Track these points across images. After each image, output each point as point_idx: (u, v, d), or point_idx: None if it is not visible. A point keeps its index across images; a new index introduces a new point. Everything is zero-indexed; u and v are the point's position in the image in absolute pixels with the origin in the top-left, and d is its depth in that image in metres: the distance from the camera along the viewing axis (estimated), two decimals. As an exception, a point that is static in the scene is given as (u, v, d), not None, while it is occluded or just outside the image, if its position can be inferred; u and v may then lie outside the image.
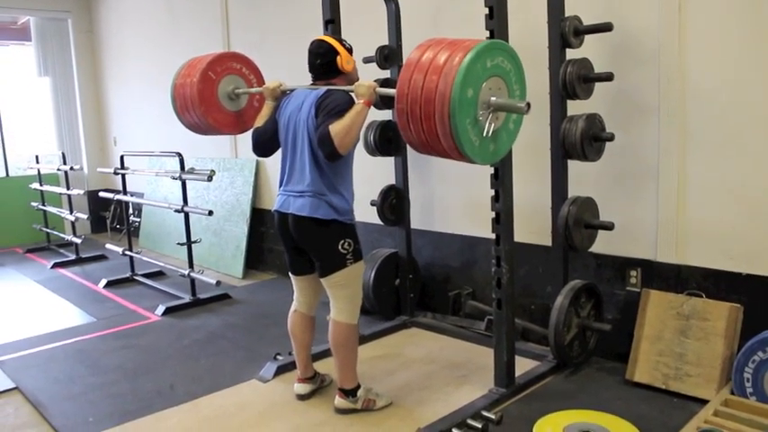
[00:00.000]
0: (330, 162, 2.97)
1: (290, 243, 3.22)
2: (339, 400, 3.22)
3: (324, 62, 3.10)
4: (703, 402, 3.06)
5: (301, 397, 3.41)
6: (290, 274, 3.37)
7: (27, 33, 9.03)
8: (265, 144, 3.27)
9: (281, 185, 3.20)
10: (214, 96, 3.50)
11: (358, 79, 3.11)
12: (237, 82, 3.59)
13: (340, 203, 3.05)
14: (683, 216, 3.40)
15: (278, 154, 3.29)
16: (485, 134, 2.42)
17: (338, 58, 3.09)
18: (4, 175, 8.86)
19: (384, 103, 4.14)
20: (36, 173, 8.08)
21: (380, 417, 3.19)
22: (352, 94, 2.96)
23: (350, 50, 3.17)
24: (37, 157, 8.12)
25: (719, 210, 3.28)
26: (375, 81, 4.25)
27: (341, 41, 3.15)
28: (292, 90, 3.26)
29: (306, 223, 3.05)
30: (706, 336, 3.22)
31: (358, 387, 3.22)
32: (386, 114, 4.41)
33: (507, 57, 2.48)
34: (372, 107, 4.24)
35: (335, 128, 2.81)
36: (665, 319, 3.37)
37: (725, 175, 3.25)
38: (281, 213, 3.16)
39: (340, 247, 3.06)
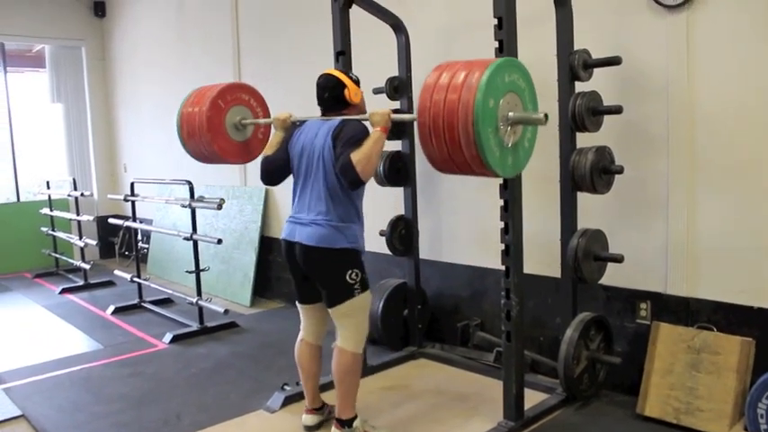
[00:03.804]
0: (352, 190, 3.01)
1: (297, 272, 3.23)
2: (335, 431, 3.19)
3: (332, 95, 3.16)
4: (716, 438, 3.03)
5: (309, 428, 3.38)
6: (297, 302, 3.37)
7: (42, 61, 9.16)
8: (274, 173, 3.30)
9: (291, 213, 3.23)
10: (222, 125, 3.56)
11: (366, 111, 3.15)
12: (244, 113, 3.65)
13: (350, 231, 3.07)
14: (692, 248, 3.39)
15: (287, 183, 3.32)
16: (505, 144, 2.51)
17: (346, 90, 3.14)
18: (15, 199, 8.93)
19: (395, 133, 4.17)
20: (46, 198, 8.14)
21: (388, 449, 3.16)
22: (367, 123, 2.99)
23: (357, 83, 3.22)
24: (48, 182, 8.19)
25: (730, 242, 3.27)
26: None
27: (347, 74, 3.22)
28: (303, 121, 3.29)
29: (314, 253, 3.06)
30: (718, 370, 3.19)
31: (355, 418, 3.20)
32: (395, 145, 4.43)
33: (522, 75, 2.63)
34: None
35: (357, 156, 2.86)
36: (675, 352, 3.35)
37: (735, 207, 3.24)
38: (289, 242, 3.17)
39: (348, 278, 3.06)
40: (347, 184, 2.96)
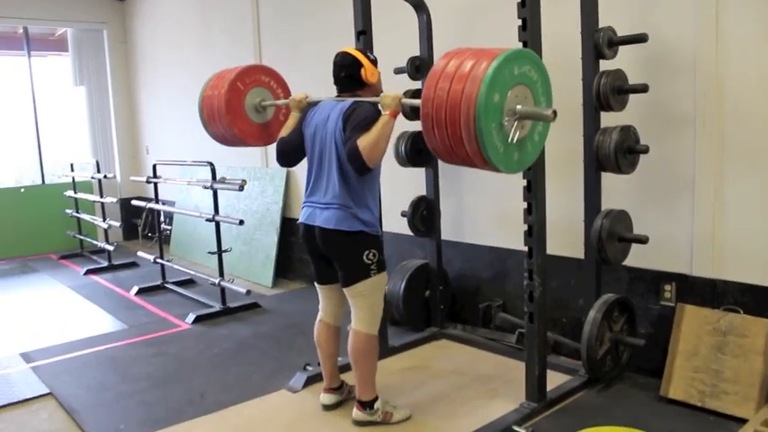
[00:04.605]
0: (360, 175, 2.98)
1: (316, 253, 3.23)
2: (356, 412, 3.22)
3: (348, 74, 3.12)
4: (741, 421, 2.99)
5: (327, 407, 3.41)
6: (315, 283, 3.38)
7: (64, 44, 9.24)
8: (289, 154, 3.30)
9: (306, 196, 3.23)
10: (241, 107, 3.56)
11: (382, 91, 3.12)
12: (264, 95, 3.64)
13: (366, 215, 3.06)
14: (719, 229, 3.34)
15: (303, 163, 3.31)
16: (510, 140, 2.41)
17: (362, 70, 3.10)
18: (40, 182, 9.05)
19: (414, 113, 4.14)
20: (71, 181, 8.24)
21: (410, 429, 3.17)
22: (379, 106, 2.97)
23: (374, 62, 3.18)
24: (72, 165, 8.28)
25: (758, 223, 3.21)
26: (406, 92, 4.28)
27: (365, 53, 3.18)
28: (318, 102, 3.28)
29: (332, 235, 3.06)
30: (744, 353, 3.15)
31: (376, 399, 3.21)
32: (416, 125, 4.39)
33: (534, 66, 2.51)
34: (403, 118, 4.27)
35: (363, 142, 2.84)
36: (700, 334, 3.31)
37: (763, 187, 3.18)
38: (308, 226, 3.17)
39: (365, 258, 3.06)
40: (354, 170, 2.94)
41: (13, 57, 9.08)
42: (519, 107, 2.42)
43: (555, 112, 2.42)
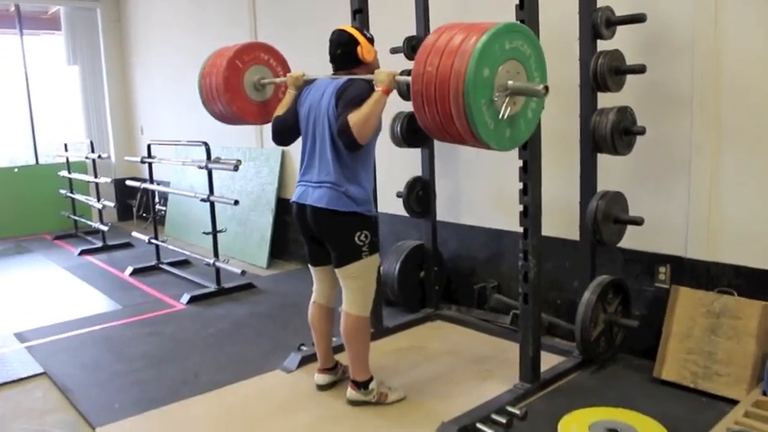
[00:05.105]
0: (351, 152, 2.96)
1: (308, 234, 3.22)
2: (351, 392, 3.22)
3: (344, 52, 3.10)
4: (733, 403, 3.01)
5: (321, 387, 3.42)
6: (309, 265, 3.37)
7: (57, 23, 9.14)
8: (285, 133, 3.28)
9: (300, 175, 3.21)
10: (240, 85, 3.53)
11: (379, 68, 3.09)
12: (264, 72, 3.61)
13: (359, 194, 3.04)
14: (715, 212, 3.33)
15: (299, 143, 3.29)
16: (501, 117, 2.38)
17: (358, 48, 3.08)
18: (33, 162, 8.99)
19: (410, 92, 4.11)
20: (65, 161, 8.19)
21: (404, 410, 3.18)
22: (373, 83, 2.95)
23: (371, 40, 3.16)
24: (66, 145, 8.22)
25: (753, 206, 3.21)
26: (402, 71, 4.24)
27: (361, 31, 3.15)
28: (314, 79, 3.25)
29: (324, 214, 3.05)
30: (737, 335, 3.16)
31: (370, 380, 3.22)
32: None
33: (527, 41, 2.46)
34: (399, 97, 4.23)
35: (354, 118, 2.81)
36: (694, 316, 3.31)
37: (760, 170, 3.17)
38: (300, 204, 3.16)
39: (356, 239, 3.05)
40: (344, 147, 2.92)
41: (5, 35, 8.97)
42: (510, 83, 2.39)
43: (546, 88, 2.39)
